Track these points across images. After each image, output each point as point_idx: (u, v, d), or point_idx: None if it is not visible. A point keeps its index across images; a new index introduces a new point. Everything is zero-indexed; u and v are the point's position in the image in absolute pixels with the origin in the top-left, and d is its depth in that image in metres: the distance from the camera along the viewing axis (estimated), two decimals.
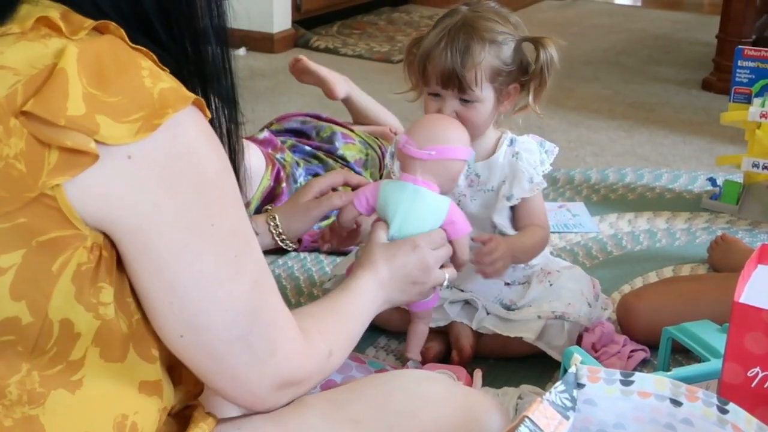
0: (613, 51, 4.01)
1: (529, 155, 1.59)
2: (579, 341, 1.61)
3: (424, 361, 1.60)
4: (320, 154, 2.26)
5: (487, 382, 1.53)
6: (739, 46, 2.33)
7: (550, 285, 1.62)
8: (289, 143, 2.28)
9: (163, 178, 0.78)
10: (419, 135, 1.40)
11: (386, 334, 1.71)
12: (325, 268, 2.00)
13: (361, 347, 1.67)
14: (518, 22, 1.59)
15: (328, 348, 1.00)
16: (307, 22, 4.09)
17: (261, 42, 3.78)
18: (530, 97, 1.58)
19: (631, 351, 1.63)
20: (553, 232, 2.18)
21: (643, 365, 1.63)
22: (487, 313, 1.61)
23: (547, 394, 0.90)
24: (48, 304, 0.78)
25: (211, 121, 0.85)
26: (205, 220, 0.81)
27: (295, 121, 2.39)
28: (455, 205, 1.38)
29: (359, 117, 2.51)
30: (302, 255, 2.05)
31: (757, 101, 2.21)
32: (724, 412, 0.88)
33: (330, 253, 2.04)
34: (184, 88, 0.79)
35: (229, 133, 0.92)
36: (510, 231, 1.61)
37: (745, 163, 2.24)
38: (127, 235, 0.79)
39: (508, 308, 1.62)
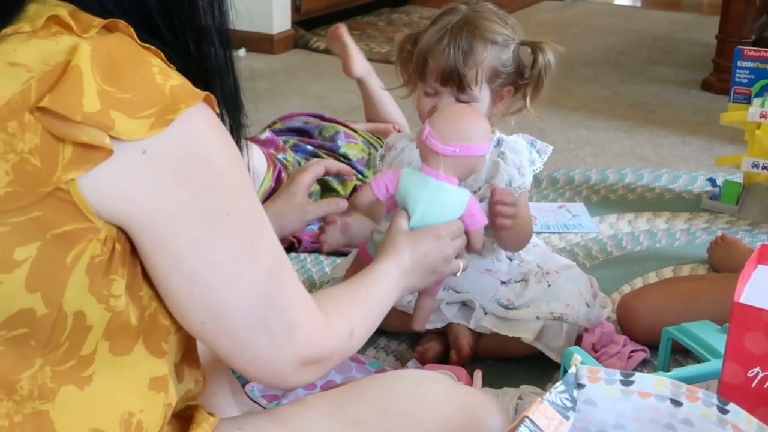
0: (613, 52, 4.01)
1: (515, 155, 1.56)
2: (579, 341, 1.61)
3: (424, 361, 1.60)
4: (322, 153, 2.26)
5: (487, 382, 1.53)
6: (739, 47, 2.33)
7: (549, 285, 1.62)
8: (291, 143, 2.28)
9: (177, 172, 0.79)
10: (443, 128, 1.39)
11: (386, 335, 1.71)
12: (325, 269, 2.00)
13: (361, 348, 1.67)
14: (515, 25, 1.59)
15: (350, 329, 1.02)
16: (306, 22, 4.10)
17: (261, 43, 3.78)
18: (527, 101, 1.58)
19: (631, 351, 1.63)
20: (552, 233, 2.18)
21: (643, 365, 1.63)
22: (485, 313, 1.61)
23: (548, 394, 0.90)
24: (63, 295, 0.79)
25: None
26: (220, 210, 0.83)
27: (298, 120, 2.40)
28: (474, 198, 1.40)
29: (370, 106, 2.52)
30: (302, 256, 2.05)
31: (756, 101, 2.21)
32: (724, 412, 0.88)
33: (330, 254, 2.04)
34: (192, 85, 0.81)
35: (232, 133, 0.93)
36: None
37: (744, 164, 2.25)
38: (144, 228, 0.80)
39: (506, 308, 1.62)
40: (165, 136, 0.77)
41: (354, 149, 2.29)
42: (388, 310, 1.19)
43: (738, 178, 2.38)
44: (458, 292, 1.62)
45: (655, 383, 0.91)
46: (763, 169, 2.22)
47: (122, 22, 0.80)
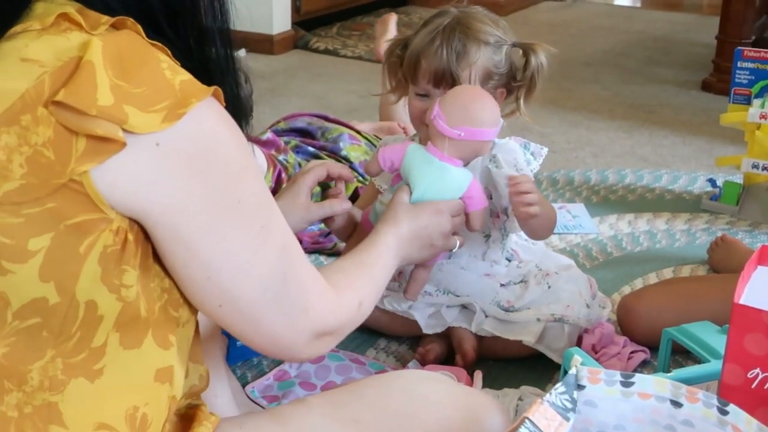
0: (613, 52, 4.01)
1: (508, 155, 1.55)
2: (579, 342, 1.61)
3: (424, 362, 1.60)
4: (324, 154, 2.26)
5: (487, 383, 1.53)
6: (739, 47, 2.33)
7: (549, 287, 1.62)
8: (292, 143, 2.28)
9: (190, 163, 0.81)
10: (451, 110, 1.42)
11: (386, 336, 1.71)
12: None
13: (361, 349, 1.67)
14: (507, 27, 1.58)
15: (358, 299, 1.08)
16: (306, 23, 4.10)
17: (261, 43, 3.78)
18: (520, 103, 1.58)
19: (631, 352, 1.63)
20: (553, 233, 2.18)
21: (644, 366, 1.63)
22: (486, 316, 1.60)
23: (548, 395, 0.90)
24: (76, 284, 0.81)
25: None
26: (231, 198, 0.86)
27: (302, 120, 2.39)
28: (476, 180, 1.44)
29: (383, 98, 2.52)
30: None
31: (756, 102, 2.21)
32: (724, 413, 0.88)
33: (330, 254, 2.05)
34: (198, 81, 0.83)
35: None
36: (496, 233, 1.60)
37: (744, 164, 2.25)
38: (158, 219, 0.82)
39: (506, 310, 1.61)
40: (177, 130, 0.79)
41: (357, 151, 2.29)
42: (389, 278, 1.26)
43: (738, 178, 2.38)
44: (458, 296, 1.62)
45: (655, 384, 0.91)
46: (763, 169, 2.22)
47: (130, 19, 0.82)
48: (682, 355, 1.63)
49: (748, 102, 2.25)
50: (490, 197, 1.54)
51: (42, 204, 0.78)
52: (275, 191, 2.09)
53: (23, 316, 0.81)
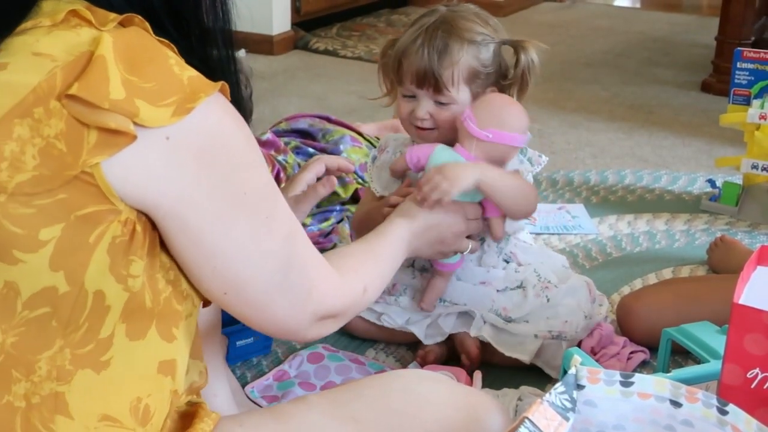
0: (613, 53, 4.01)
1: None
2: (579, 344, 1.61)
3: (424, 363, 1.60)
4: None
5: (486, 383, 1.53)
6: (738, 48, 2.33)
7: (547, 300, 1.60)
8: (293, 144, 2.28)
9: (198, 156, 0.83)
10: (482, 113, 1.46)
11: None
12: None
13: (360, 349, 1.67)
14: (497, 25, 1.57)
15: (363, 285, 1.12)
16: (306, 24, 4.10)
17: (260, 44, 3.78)
18: None
19: (631, 352, 1.63)
20: (552, 234, 2.18)
21: (643, 367, 1.63)
22: (485, 323, 1.59)
23: (547, 395, 0.90)
24: (85, 273, 0.82)
25: None
26: (239, 190, 0.88)
27: (304, 122, 2.39)
28: None
29: None
30: None
31: (756, 103, 2.21)
32: (723, 413, 0.88)
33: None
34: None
35: None
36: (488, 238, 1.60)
37: (744, 165, 2.25)
38: (168, 211, 0.84)
39: (504, 319, 1.59)
40: (186, 124, 0.81)
41: (357, 153, 2.29)
42: (397, 269, 1.29)
43: (737, 179, 2.38)
44: (454, 304, 1.61)
45: (654, 384, 0.91)
46: (762, 170, 2.22)
47: (138, 16, 0.84)
48: (681, 356, 1.63)
49: (747, 103, 2.25)
50: None
51: (53, 195, 0.80)
52: None
53: (33, 306, 0.82)
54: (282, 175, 2.12)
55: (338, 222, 2.12)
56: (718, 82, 3.29)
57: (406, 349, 1.68)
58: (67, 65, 0.79)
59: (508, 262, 1.64)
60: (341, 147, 2.28)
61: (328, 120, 2.40)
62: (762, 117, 2.16)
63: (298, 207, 1.45)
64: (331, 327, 1.05)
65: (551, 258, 1.72)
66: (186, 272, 0.90)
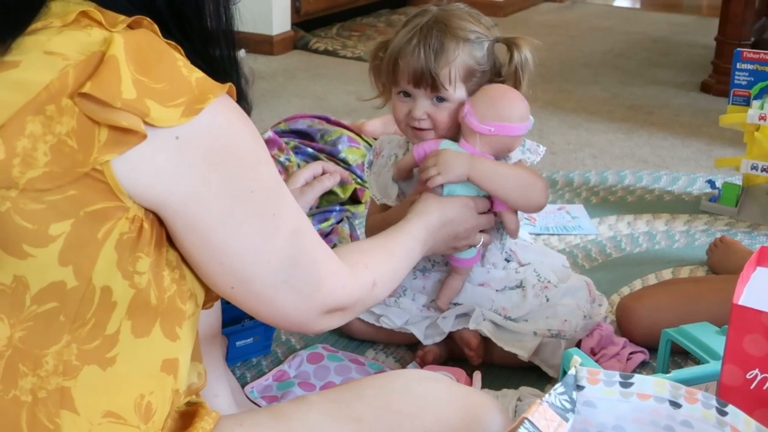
0: (612, 53, 4.01)
1: None
2: (578, 344, 1.61)
3: (423, 363, 1.60)
4: (322, 156, 2.27)
5: (486, 383, 1.53)
6: (738, 49, 2.33)
7: (547, 300, 1.60)
8: (291, 144, 2.28)
9: (207, 156, 0.85)
10: (481, 107, 1.48)
11: None
12: None
13: (360, 349, 1.67)
14: (489, 23, 1.57)
15: (372, 278, 1.12)
16: (306, 24, 4.10)
17: (260, 44, 3.78)
18: None
19: (630, 353, 1.63)
20: (552, 234, 2.18)
21: (642, 367, 1.63)
22: (484, 319, 1.59)
23: (547, 395, 0.90)
24: (93, 269, 0.83)
25: None
26: (246, 188, 0.89)
27: (303, 122, 2.39)
28: None
29: None
30: None
31: (755, 103, 2.21)
32: (723, 414, 0.88)
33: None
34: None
35: None
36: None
37: (743, 166, 2.25)
38: (177, 209, 0.86)
39: (503, 317, 1.59)
40: (194, 124, 0.83)
41: (355, 153, 2.29)
42: (412, 266, 1.30)
43: (737, 179, 2.38)
44: (454, 304, 1.61)
45: (654, 385, 0.91)
46: (762, 171, 2.22)
47: (147, 19, 0.85)
48: (681, 356, 1.63)
49: (747, 103, 2.25)
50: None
51: (64, 191, 0.81)
52: None
53: (41, 300, 0.83)
54: (284, 175, 2.13)
55: (338, 222, 2.12)
56: (717, 82, 3.29)
57: (405, 349, 1.68)
58: (79, 64, 0.81)
59: (508, 261, 1.64)
60: (339, 147, 2.29)
61: (327, 120, 2.41)
62: (762, 118, 2.16)
63: (302, 197, 1.45)
64: (340, 320, 1.07)
65: (551, 257, 1.72)
66: (194, 267, 0.92)
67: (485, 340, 1.59)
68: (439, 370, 1.52)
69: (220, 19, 0.94)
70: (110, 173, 0.81)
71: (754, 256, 1.15)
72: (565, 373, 0.94)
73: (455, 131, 1.53)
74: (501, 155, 1.51)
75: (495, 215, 1.52)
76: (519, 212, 1.57)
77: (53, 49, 0.82)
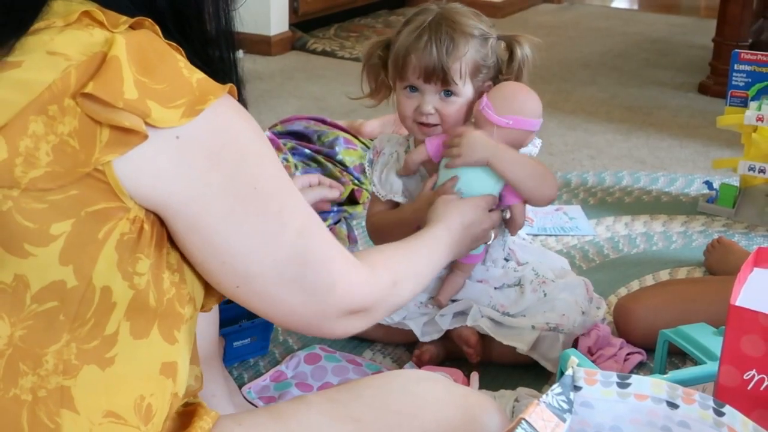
0: (610, 54, 4.02)
1: None
2: (575, 344, 1.61)
3: (420, 363, 1.60)
4: (319, 157, 2.26)
5: (483, 384, 1.53)
6: (736, 50, 2.33)
7: (544, 295, 1.61)
8: (288, 146, 2.28)
9: (208, 155, 0.85)
10: (499, 101, 1.51)
11: None
12: None
13: (358, 350, 1.67)
14: (488, 22, 1.60)
15: (392, 278, 1.09)
16: (304, 24, 4.10)
17: (258, 44, 3.78)
18: None
19: (628, 354, 1.63)
20: (549, 235, 2.18)
21: (640, 368, 1.63)
22: (482, 315, 1.60)
23: (544, 396, 0.90)
24: (93, 269, 0.84)
25: None
26: (248, 185, 0.89)
27: (299, 124, 2.40)
28: None
29: None
30: None
31: (753, 105, 2.22)
32: (720, 414, 0.88)
33: None
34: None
35: None
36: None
37: (741, 167, 2.25)
38: (178, 209, 0.85)
39: (501, 314, 1.60)
40: (195, 125, 0.83)
41: (352, 155, 2.29)
42: (437, 270, 1.30)
43: (735, 181, 2.38)
44: (453, 301, 1.61)
45: (651, 385, 0.91)
46: (759, 172, 2.22)
47: (148, 20, 0.85)
48: (678, 357, 1.63)
49: (744, 104, 2.25)
50: None
51: (66, 191, 0.81)
52: None
53: (42, 299, 0.84)
54: None
55: (335, 223, 2.12)
56: (715, 83, 3.29)
57: (403, 349, 1.68)
58: (81, 64, 0.81)
59: (507, 261, 1.65)
60: (336, 149, 2.29)
61: (323, 122, 2.41)
62: (759, 119, 2.16)
63: None
64: (362, 322, 1.04)
65: (551, 259, 1.73)
66: (196, 267, 0.91)
67: (483, 338, 1.60)
68: (436, 370, 1.52)
69: (220, 20, 0.94)
70: (111, 173, 0.82)
71: (751, 257, 1.15)
72: (562, 373, 0.94)
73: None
74: (515, 149, 1.53)
75: (501, 211, 1.54)
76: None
77: (56, 49, 0.82)
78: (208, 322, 1.33)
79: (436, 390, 1.07)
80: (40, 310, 0.84)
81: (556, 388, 0.91)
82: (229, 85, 0.87)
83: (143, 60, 0.82)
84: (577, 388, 0.92)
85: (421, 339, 1.60)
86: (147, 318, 0.88)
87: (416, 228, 1.42)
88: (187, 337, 0.93)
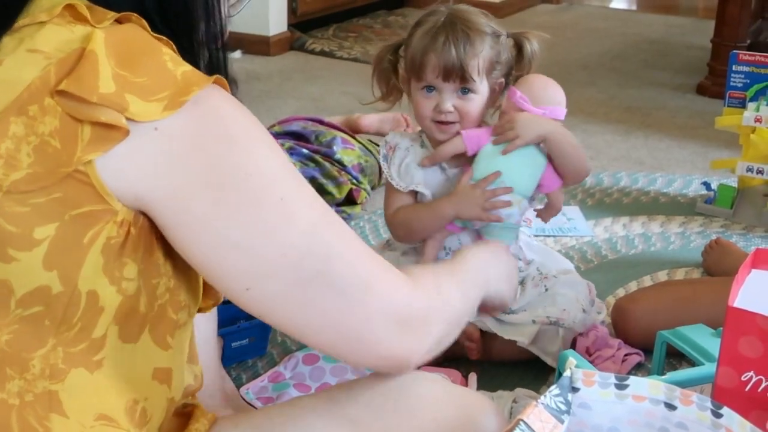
0: (609, 55, 4.02)
1: None
2: (573, 345, 1.61)
3: None
4: (317, 157, 2.26)
5: (481, 385, 1.53)
6: (734, 51, 2.34)
7: (546, 290, 1.62)
8: (287, 146, 2.28)
9: (192, 145, 0.81)
10: (532, 93, 1.57)
11: None
12: None
13: None
14: (495, 20, 1.63)
15: (435, 284, 0.99)
16: (303, 25, 4.09)
17: (257, 45, 3.78)
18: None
19: (626, 355, 1.63)
20: (548, 236, 2.18)
21: (638, 369, 1.63)
22: None
23: (542, 397, 0.90)
24: (78, 273, 0.81)
25: None
26: (239, 171, 0.82)
27: (297, 124, 2.40)
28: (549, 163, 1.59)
29: None
30: None
31: (751, 106, 2.22)
32: (718, 416, 0.88)
33: None
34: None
35: None
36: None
37: (739, 168, 2.25)
38: (165, 205, 0.81)
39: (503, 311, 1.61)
40: (178, 116, 0.79)
41: (350, 155, 2.30)
42: (477, 299, 1.12)
43: (733, 182, 2.38)
44: None
45: (649, 387, 0.91)
46: (757, 173, 2.22)
47: (135, 14, 0.83)
48: (676, 358, 1.63)
49: (743, 105, 2.25)
50: None
51: (48, 194, 0.79)
52: None
53: (26, 304, 0.82)
54: None
55: None
56: (713, 84, 3.29)
57: None
58: (60, 62, 0.79)
59: (518, 260, 1.65)
60: (334, 148, 2.29)
61: (320, 122, 2.41)
62: (757, 120, 2.17)
63: None
64: (418, 340, 0.94)
65: (556, 259, 1.74)
66: (200, 271, 0.86)
67: (483, 336, 1.60)
68: (434, 371, 1.52)
69: (209, 18, 0.91)
70: (94, 174, 0.79)
71: (749, 259, 1.15)
72: (560, 374, 0.94)
73: (478, 126, 1.60)
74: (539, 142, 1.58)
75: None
76: (519, 211, 1.61)
77: (36, 46, 0.80)
78: (207, 322, 1.33)
79: (434, 390, 1.06)
80: (25, 315, 0.82)
81: (554, 389, 0.91)
82: (215, 76, 0.83)
83: (124, 53, 0.79)
84: (575, 390, 0.92)
85: None
86: (137, 323, 0.86)
87: (452, 221, 1.54)
88: (181, 343, 0.92)
